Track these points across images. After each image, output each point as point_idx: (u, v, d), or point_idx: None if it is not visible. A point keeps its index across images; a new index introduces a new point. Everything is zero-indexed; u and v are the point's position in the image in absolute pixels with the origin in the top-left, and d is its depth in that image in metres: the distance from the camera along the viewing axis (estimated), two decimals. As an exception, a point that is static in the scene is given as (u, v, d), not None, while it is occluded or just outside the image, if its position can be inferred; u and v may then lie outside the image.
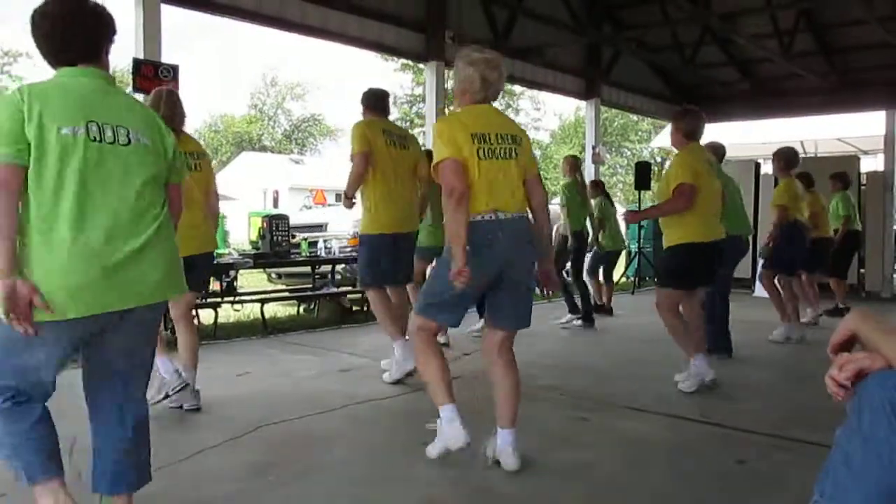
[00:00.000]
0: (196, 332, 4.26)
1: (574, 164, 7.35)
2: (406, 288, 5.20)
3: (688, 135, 4.63)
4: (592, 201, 7.66)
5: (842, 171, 8.40)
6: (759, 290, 7.06)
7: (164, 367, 3.96)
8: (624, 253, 9.32)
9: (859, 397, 1.39)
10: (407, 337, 4.22)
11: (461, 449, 3.06)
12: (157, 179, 2.27)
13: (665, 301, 4.58)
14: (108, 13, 2.31)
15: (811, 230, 6.77)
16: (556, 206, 7.93)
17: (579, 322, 7.24)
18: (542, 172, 4.15)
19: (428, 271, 6.10)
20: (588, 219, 7.31)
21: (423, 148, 5.41)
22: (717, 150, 5.92)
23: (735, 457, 3.29)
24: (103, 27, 2.28)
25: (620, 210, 8.94)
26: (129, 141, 2.19)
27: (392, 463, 3.24)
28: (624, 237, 7.45)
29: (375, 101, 4.87)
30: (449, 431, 3.08)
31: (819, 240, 7.17)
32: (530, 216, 3.17)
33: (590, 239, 7.65)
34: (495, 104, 3.33)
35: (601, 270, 8.29)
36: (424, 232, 5.67)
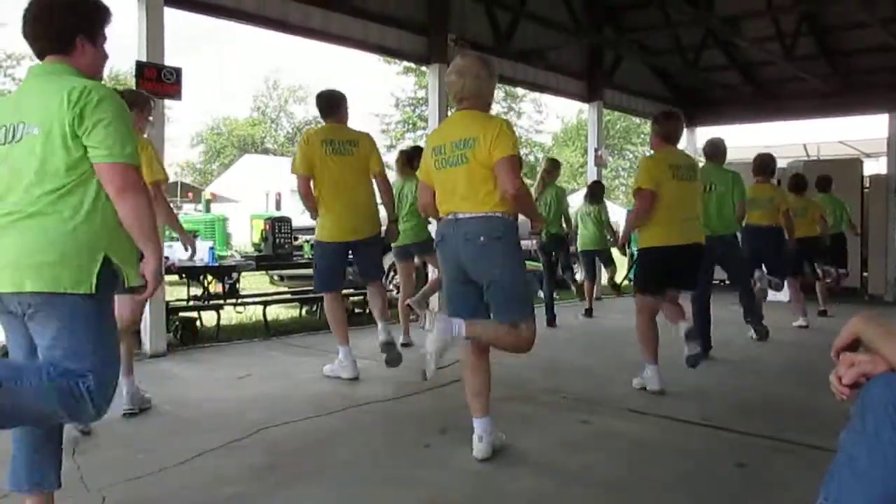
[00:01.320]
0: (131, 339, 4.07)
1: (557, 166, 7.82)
2: (381, 282, 5.27)
3: (665, 137, 4.71)
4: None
5: (825, 175, 8.50)
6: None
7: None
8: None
9: (862, 399, 1.40)
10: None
11: None
12: (49, 166, 2.12)
13: (638, 304, 4.68)
14: (87, 2, 2.28)
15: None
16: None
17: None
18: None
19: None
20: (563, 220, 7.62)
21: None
22: (716, 147, 5.95)
23: (736, 460, 3.28)
24: (70, 16, 2.25)
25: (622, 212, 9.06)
26: (21, 136, 2.16)
27: (394, 465, 3.24)
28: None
29: (325, 106, 4.92)
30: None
31: (801, 240, 7.21)
32: (499, 213, 3.20)
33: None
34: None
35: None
36: (401, 230, 5.83)
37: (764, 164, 6.75)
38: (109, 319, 2.26)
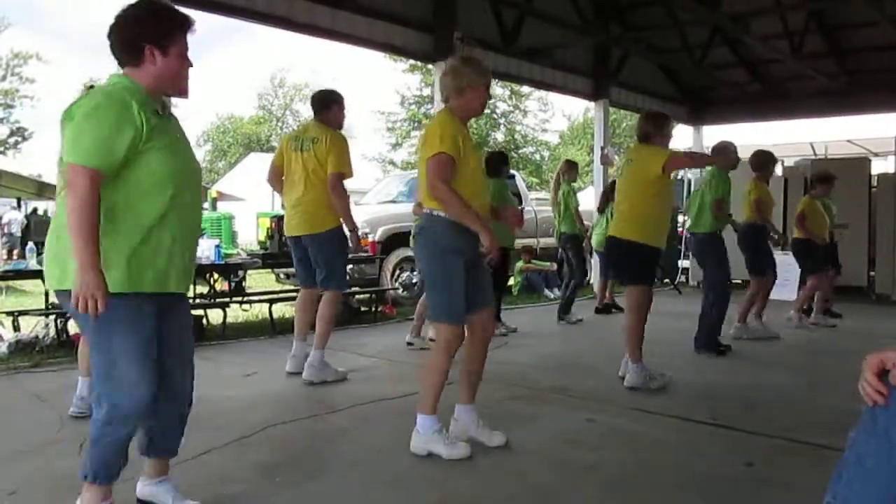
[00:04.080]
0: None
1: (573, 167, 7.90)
2: (331, 293, 4.83)
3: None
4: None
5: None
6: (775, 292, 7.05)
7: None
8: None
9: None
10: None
11: None
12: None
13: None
14: (133, 15, 2.29)
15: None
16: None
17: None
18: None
19: None
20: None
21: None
22: (725, 151, 5.98)
23: (744, 459, 3.27)
24: (123, 31, 2.30)
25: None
26: None
27: (400, 463, 3.23)
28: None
29: (314, 104, 4.96)
30: None
31: (795, 241, 7.38)
32: (426, 209, 3.26)
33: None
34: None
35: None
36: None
37: (762, 160, 6.71)
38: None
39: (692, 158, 5.86)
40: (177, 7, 2.43)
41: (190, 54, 2.39)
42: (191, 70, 2.40)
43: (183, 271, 2.39)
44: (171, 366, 2.45)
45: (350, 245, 4.87)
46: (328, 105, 4.89)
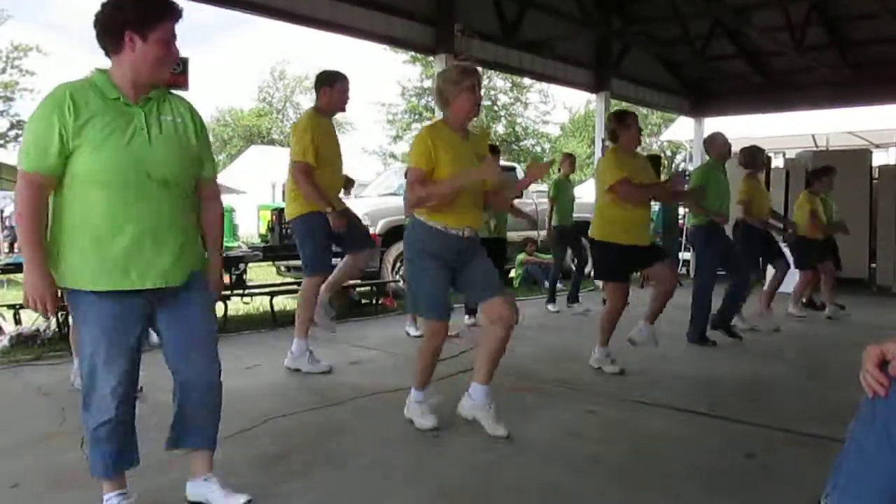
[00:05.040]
0: None
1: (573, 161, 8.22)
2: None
3: None
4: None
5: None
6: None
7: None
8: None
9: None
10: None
11: None
12: None
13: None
14: (116, 1, 2.26)
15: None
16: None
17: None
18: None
19: None
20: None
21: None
22: (713, 143, 6.11)
23: (744, 451, 3.28)
24: (105, 17, 2.27)
25: None
26: None
27: (402, 455, 3.25)
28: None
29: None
30: None
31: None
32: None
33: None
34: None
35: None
36: None
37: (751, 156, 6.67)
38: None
39: (638, 190, 4.88)
40: None
41: (178, 42, 2.33)
42: (172, 58, 2.34)
43: (148, 265, 2.31)
44: (175, 355, 2.48)
45: (334, 228, 4.66)
46: (316, 88, 4.77)
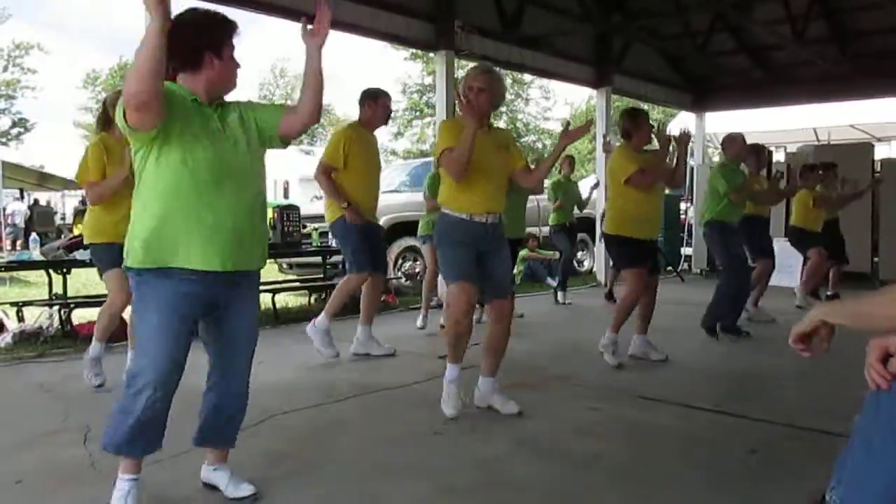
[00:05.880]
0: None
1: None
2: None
3: None
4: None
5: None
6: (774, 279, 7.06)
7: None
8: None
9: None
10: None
11: None
12: None
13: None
14: (193, 23, 2.43)
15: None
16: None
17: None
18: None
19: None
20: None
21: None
22: (732, 143, 6.12)
23: (747, 446, 3.28)
24: (185, 38, 2.39)
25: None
26: None
27: (405, 452, 3.25)
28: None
29: None
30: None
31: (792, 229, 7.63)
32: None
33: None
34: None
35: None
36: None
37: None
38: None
39: (651, 174, 5.10)
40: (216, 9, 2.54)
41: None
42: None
43: (207, 245, 2.40)
44: (218, 353, 2.74)
45: (349, 221, 4.96)
46: (360, 103, 5.13)
